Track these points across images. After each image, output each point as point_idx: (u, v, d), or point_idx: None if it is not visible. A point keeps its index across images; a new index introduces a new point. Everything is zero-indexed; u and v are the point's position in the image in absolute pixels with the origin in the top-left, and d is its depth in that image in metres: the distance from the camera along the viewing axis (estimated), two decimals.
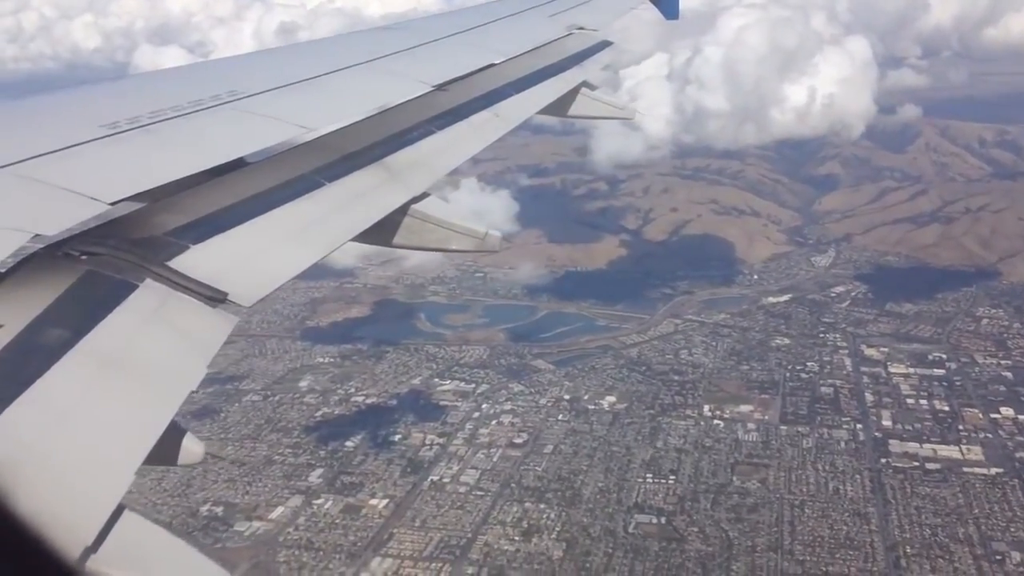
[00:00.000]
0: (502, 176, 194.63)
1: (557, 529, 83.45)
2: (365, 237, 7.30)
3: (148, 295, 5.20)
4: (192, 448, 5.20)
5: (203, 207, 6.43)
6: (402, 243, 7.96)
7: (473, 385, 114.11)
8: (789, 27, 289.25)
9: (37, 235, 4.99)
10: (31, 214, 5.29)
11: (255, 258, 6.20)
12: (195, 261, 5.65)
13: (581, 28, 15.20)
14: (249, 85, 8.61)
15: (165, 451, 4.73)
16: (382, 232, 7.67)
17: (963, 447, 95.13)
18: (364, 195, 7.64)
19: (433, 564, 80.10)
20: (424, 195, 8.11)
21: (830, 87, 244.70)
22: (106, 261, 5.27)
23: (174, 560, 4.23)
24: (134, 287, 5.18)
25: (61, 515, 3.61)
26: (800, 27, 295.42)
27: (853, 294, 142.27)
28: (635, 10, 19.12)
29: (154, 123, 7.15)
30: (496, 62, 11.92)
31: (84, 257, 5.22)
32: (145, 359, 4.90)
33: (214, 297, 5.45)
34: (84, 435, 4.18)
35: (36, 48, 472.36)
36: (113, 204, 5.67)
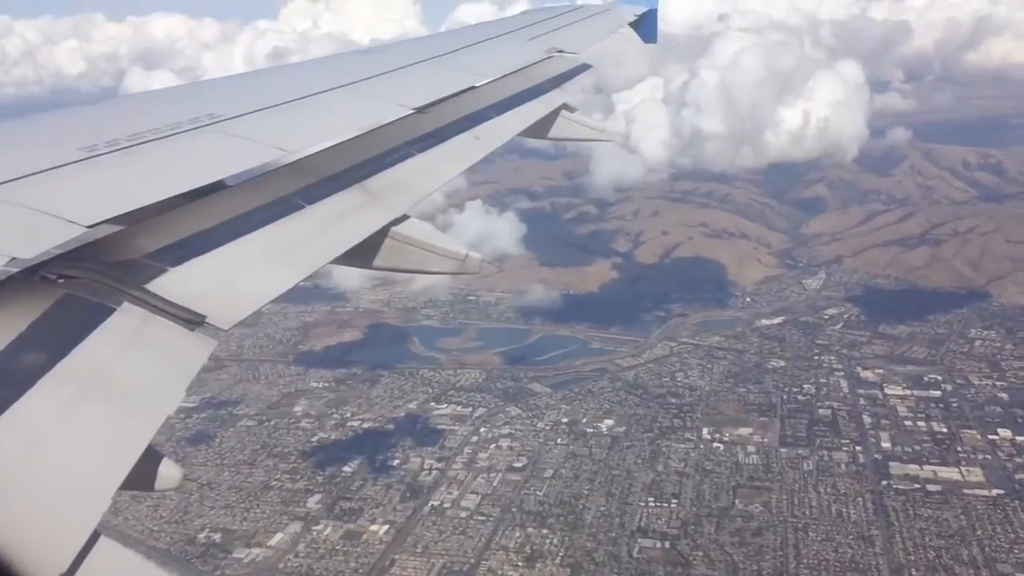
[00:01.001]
0: (493, 200, 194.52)
1: (561, 554, 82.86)
2: (345, 259, 7.20)
3: (126, 318, 5.13)
4: (169, 473, 5.04)
5: (182, 230, 6.37)
6: (382, 265, 7.86)
7: (470, 409, 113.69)
8: (784, 51, 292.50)
9: (14, 258, 4.90)
10: (8, 237, 5.21)
11: (234, 281, 6.13)
12: (173, 284, 5.59)
13: (560, 51, 15.18)
14: (228, 108, 8.56)
15: (142, 476, 4.64)
16: (362, 254, 7.56)
17: (963, 469, 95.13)
18: (344, 217, 7.60)
19: None
20: (404, 217, 8.01)
21: (824, 110, 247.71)
22: (83, 284, 5.21)
23: None
24: (112, 310, 5.12)
25: (36, 541, 3.60)
26: (795, 51, 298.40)
27: (846, 316, 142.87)
28: (616, 34, 19.21)
29: (133, 146, 7.08)
30: (476, 85, 11.85)
31: (61, 280, 5.15)
32: (122, 383, 4.79)
33: (192, 320, 5.37)
34: (60, 460, 4.09)
35: (20, 73, 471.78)
36: (91, 227, 5.58)
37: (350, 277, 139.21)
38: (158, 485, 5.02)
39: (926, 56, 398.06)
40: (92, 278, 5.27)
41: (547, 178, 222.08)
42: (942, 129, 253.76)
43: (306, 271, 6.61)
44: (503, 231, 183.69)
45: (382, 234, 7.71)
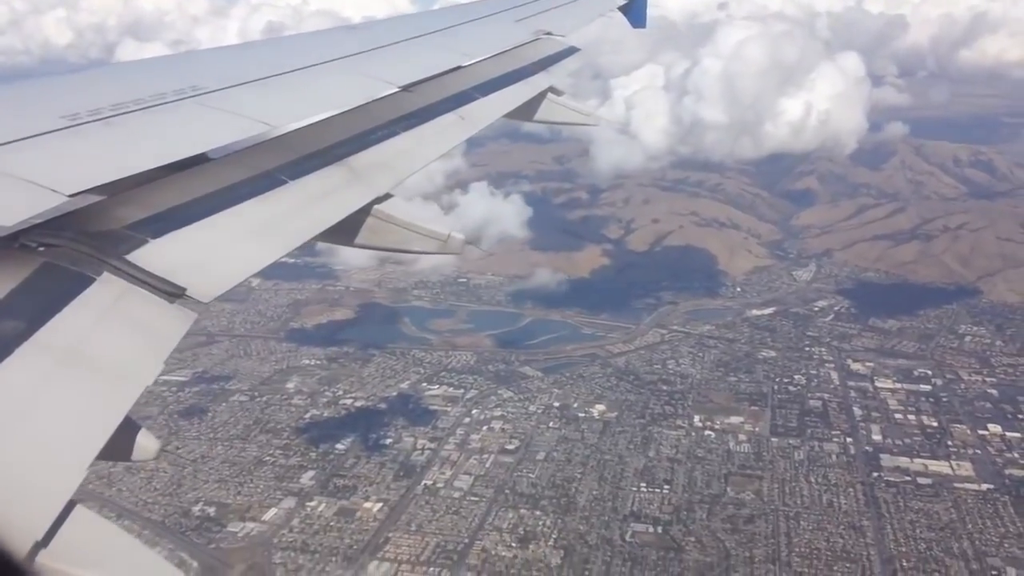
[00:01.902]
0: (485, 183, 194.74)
1: (554, 536, 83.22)
2: (327, 236, 7.24)
3: (105, 289, 5.14)
4: (146, 444, 5.15)
5: (163, 202, 6.36)
6: (364, 243, 7.89)
7: (462, 390, 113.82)
8: (787, 41, 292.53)
9: None
10: None
11: (215, 254, 6.15)
12: (154, 255, 5.59)
13: (548, 34, 15.18)
14: (213, 80, 8.52)
15: (119, 447, 4.74)
16: (344, 232, 7.59)
17: (953, 463, 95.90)
18: (326, 194, 7.59)
19: (431, 569, 79.70)
20: (387, 196, 8.03)
21: (824, 103, 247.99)
22: (63, 253, 5.20)
23: (126, 557, 4.19)
24: (91, 280, 5.13)
25: (11, 510, 3.61)
26: (798, 42, 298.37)
27: (836, 308, 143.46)
28: (604, 18, 19.23)
29: (115, 116, 7.04)
30: (463, 65, 11.87)
31: (41, 249, 5.15)
32: (101, 353, 4.81)
33: (172, 292, 5.38)
34: (37, 429, 4.12)
35: (6, 42, 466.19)
36: (72, 196, 5.58)
37: (341, 256, 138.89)
38: (135, 456, 5.11)
39: (920, 51, 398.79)
40: (72, 247, 5.27)
41: (538, 162, 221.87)
42: (933, 125, 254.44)
43: (288, 247, 6.64)
44: (523, 212, 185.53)
45: (364, 212, 7.74)
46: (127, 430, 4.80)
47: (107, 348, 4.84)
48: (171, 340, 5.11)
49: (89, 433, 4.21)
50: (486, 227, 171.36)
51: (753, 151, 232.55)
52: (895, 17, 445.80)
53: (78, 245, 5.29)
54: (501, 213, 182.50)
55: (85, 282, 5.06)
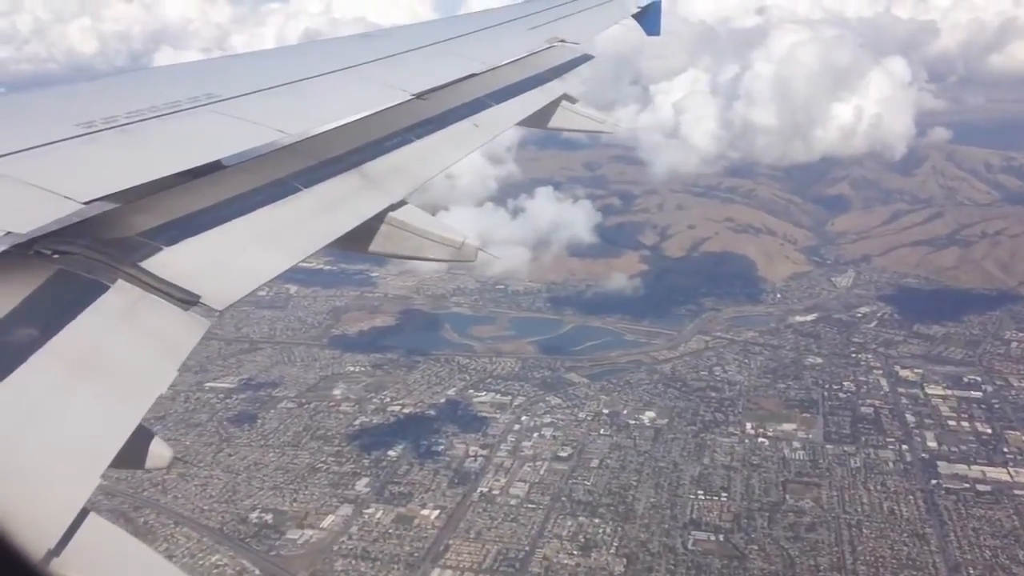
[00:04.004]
0: (515, 190, 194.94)
1: (615, 544, 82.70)
2: (342, 243, 7.28)
3: (119, 296, 5.15)
4: (160, 452, 5.15)
5: (178, 209, 6.39)
6: (378, 250, 7.94)
7: (509, 397, 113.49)
8: (838, 46, 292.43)
9: (8, 232, 4.89)
10: (3, 211, 5.21)
11: (229, 261, 6.18)
12: (168, 263, 5.61)
13: (562, 41, 15.23)
14: (228, 88, 8.56)
15: (132, 455, 4.71)
16: (358, 238, 7.63)
17: (1011, 469, 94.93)
18: (341, 201, 7.65)
19: None
20: (401, 203, 8.05)
21: (874, 107, 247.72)
22: (78, 261, 5.21)
23: (138, 566, 4.21)
24: (105, 288, 5.13)
25: (24, 517, 3.57)
26: (849, 46, 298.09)
27: (879, 315, 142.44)
28: (619, 25, 19.30)
29: (131, 123, 7.05)
30: (477, 72, 11.83)
31: (56, 256, 5.15)
32: (115, 361, 4.83)
33: (186, 299, 5.40)
34: (50, 436, 4.10)
35: (31, 50, 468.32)
36: (87, 203, 5.58)
37: (378, 262, 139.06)
38: (148, 464, 5.11)
39: (950, 57, 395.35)
40: (87, 255, 5.26)
41: (568, 169, 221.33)
42: (964, 130, 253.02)
43: (302, 254, 6.66)
44: (592, 219, 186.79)
45: (379, 219, 7.75)
46: (140, 438, 4.81)
47: (121, 356, 4.87)
48: (185, 347, 5.12)
49: (102, 441, 4.22)
50: (554, 232, 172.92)
51: (805, 155, 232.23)
52: (926, 23, 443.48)
53: (92, 252, 5.31)
54: (568, 218, 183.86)
55: (99, 289, 5.08)
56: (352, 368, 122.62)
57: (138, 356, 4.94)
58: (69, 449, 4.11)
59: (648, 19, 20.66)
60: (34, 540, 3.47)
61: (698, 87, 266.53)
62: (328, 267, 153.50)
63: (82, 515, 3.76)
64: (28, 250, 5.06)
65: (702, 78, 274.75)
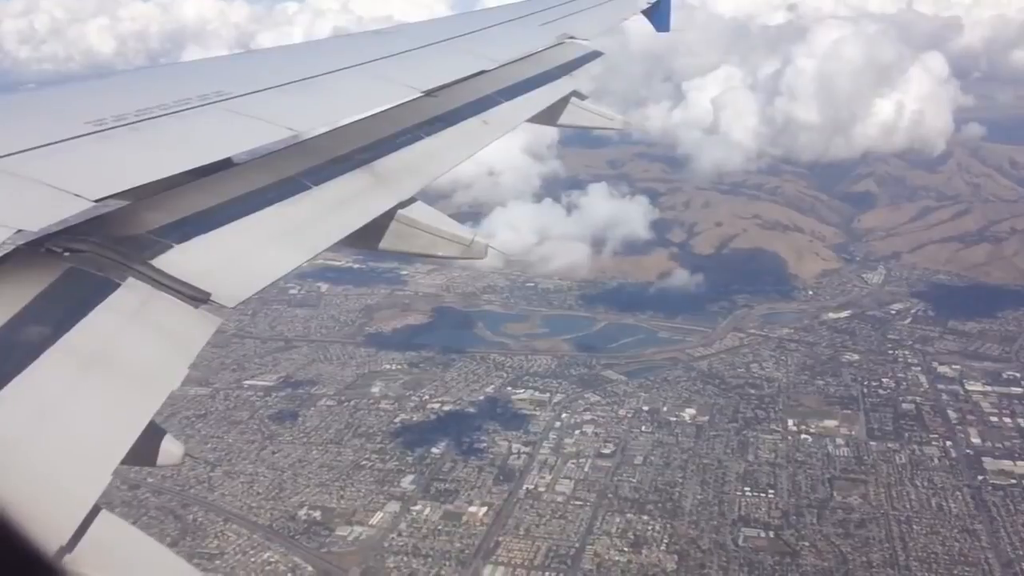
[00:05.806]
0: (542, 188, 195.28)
1: (665, 541, 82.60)
2: (352, 240, 7.35)
3: (130, 294, 5.20)
4: (171, 449, 5.23)
5: (188, 207, 6.45)
6: (389, 248, 8.02)
7: (548, 394, 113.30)
8: (880, 42, 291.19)
9: (20, 231, 4.95)
10: (14, 209, 5.26)
11: (239, 259, 6.23)
12: (179, 261, 5.67)
13: (572, 38, 15.34)
14: (237, 86, 8.65)
15: (144, 452, 4.82)
16: (369, 236, 7.71)
17: None
18: (351, 199, 7.70)
19: (546, 573, 79.43)
20: (411, 200, 8.13)
21: (914, 103, 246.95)
22: (89, 259, 5.26)
23: (150, 562, 4.24)
24: (116, 285, 5.19)
25: (36, 514, 3.58)
26: (891, 42, 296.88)
27: (913, 311, 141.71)
28: (628, 22, 19.66)
29: (140, 121, 7.13)
30: (486, 69, 11.96)
31: (67, 254, 5.21)
32: (126, 358, 4.87)
33: (197, 297, 5.45)
34: (62, 434, 4.15)
35: (50, 50, 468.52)
36: (97, 201, 5.64)
37: (407, 260, 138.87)
38: (160, 461, 5.21)
39: (973, 53, 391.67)
40: (98, 252, 5.31)
41: (591, 166, 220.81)
42: (988, 127, 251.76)
43: (313, 251, 6.72)
44: (648, 214, 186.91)
45: (389, 217, 7.82)
46: (152, 435, 4.92)
47: (132, 353, 4.91)
48: (196, 345, 5.17)
49: (114, 438, 4.26)
50: (610, 229, 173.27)
51: (846, 152, 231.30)
52: (950, 19, 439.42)
53: (103, 250, 5.36)
54: (625, 214, 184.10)
55: (110, 287, 5.13)
56: (388, 366, 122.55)
57: (149, 353, 5.00)
58: (81, 446, 4.16)
59: (657, 15, 20.82)
60: (46, 536, 3.50)
61: (733, 83, 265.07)
62: (358, 265, 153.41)
63: (94, 511, 3.81)
64: (39, 248, 5.12)
65: (736, 74, 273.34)
